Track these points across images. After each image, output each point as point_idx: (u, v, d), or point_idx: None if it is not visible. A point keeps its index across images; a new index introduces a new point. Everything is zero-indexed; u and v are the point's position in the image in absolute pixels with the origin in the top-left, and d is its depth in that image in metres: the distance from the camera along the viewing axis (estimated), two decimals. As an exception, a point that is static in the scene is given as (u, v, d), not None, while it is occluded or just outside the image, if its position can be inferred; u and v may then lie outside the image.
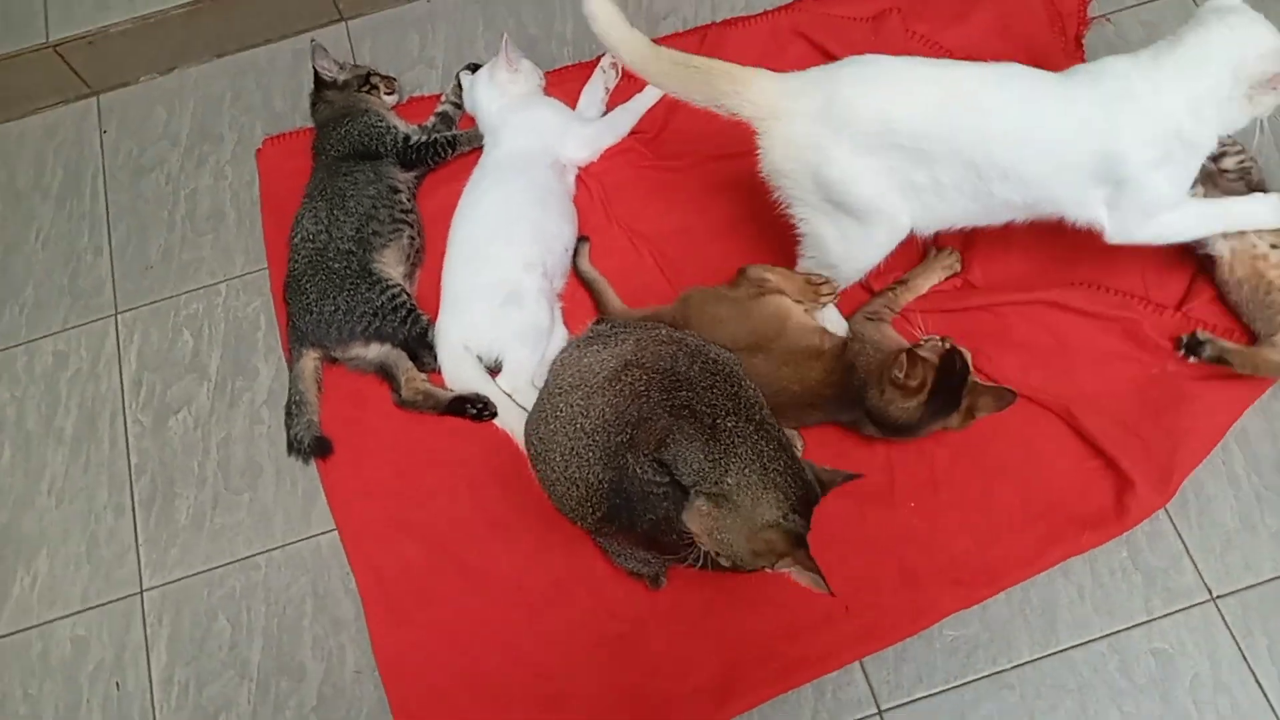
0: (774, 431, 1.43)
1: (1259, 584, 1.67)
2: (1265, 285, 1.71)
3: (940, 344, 1.67)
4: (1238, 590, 1.67)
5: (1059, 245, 1.75)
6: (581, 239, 1.98)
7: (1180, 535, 1.71)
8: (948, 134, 1.53)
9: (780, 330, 1.74)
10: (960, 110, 1.53)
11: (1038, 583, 1.70)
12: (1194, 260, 1.82)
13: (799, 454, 1.74)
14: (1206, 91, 1.49)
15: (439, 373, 1.90)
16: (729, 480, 1.39)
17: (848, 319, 1.83)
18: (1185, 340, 1.75)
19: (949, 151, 1.54)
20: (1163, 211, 1.61)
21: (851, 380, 1.70)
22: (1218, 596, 1.67)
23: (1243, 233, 1.71)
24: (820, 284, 1.76)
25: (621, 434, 1.39)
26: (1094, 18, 2.14)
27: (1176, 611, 1.67)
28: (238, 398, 1.97)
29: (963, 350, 1.67)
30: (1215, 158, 1.74)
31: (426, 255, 2.02)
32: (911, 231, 1.66)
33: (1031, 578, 1.70)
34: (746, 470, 1.39)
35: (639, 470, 1.41)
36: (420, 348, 1.91)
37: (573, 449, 1.42)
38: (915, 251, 1.90)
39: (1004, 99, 1.54)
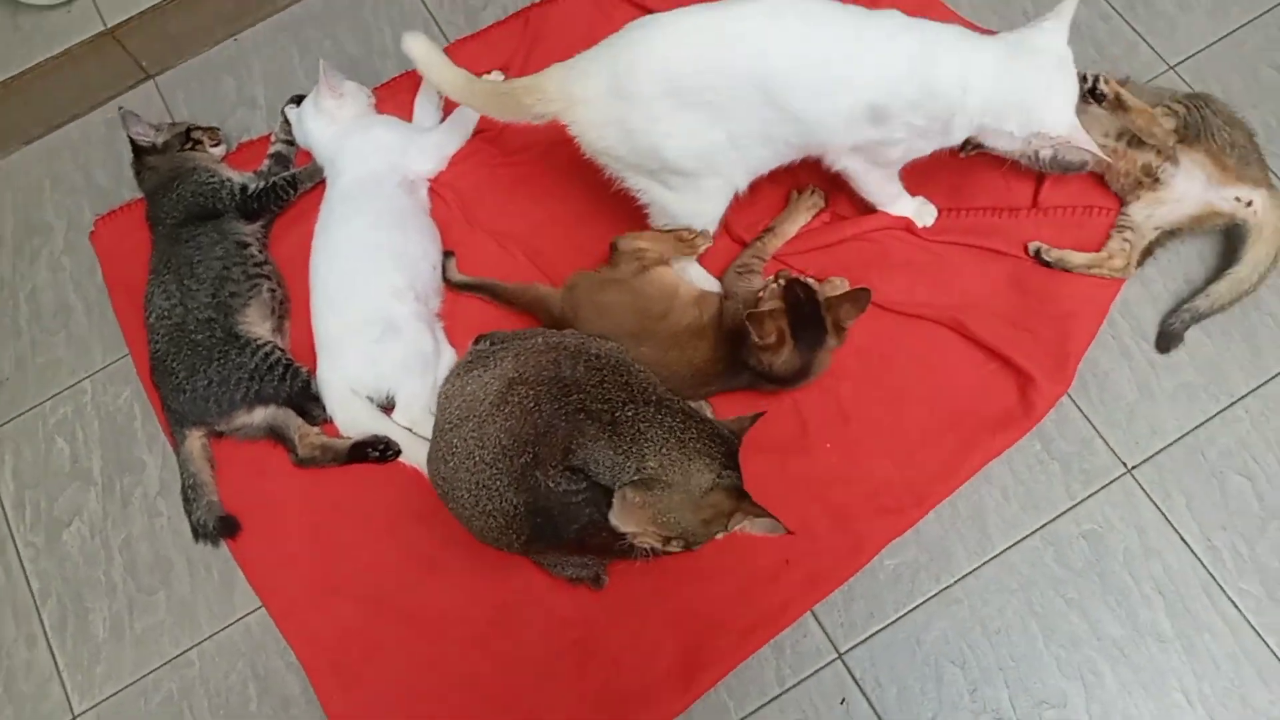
0: (675, 404, 1.41)
1: (1167, 445, 1.73)
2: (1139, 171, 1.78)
3: (777, 285, 1.67)
4: (1150, 457, 1.72)
5: (912, 176, 1.79)
6: (446, 254, 1.92)
7: (1086, 416, 1.75)
8: (729, 81, 1.52)
9: (668, 308, 1.72)
10: (737, 54, 1.51)
11: (963, 493, 1.73)
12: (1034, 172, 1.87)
13: (707, 413, 1.74)
14: (995, 118, 1.53)
15: (332, 423, 1.83)
16: (650, 464, 1.37)
17: (719, 278, 1.81)
18: (1031, 250, 1.80)
19: (734, 98, 1.53)
20: (881, 166, 1.71)
21: (736, 349, 1.69)
22: (1132, 467, 1.72)
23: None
24: (691, 236, 1.75)
25: (524, 455, 1.35)
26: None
27: (1098, 491, 1.71)
28: (129, 495, 1.88)
29: (800, 277, 1.69)
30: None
31: (292, 303, 1.94)
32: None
33: (956, 490, 1.73)
34: (664, 449, 1.37)
35: (552, 484, 1.38)
36: (306, 401, 1.83)
37: (478, 482, 1.38)
38: (781, 196, 1.90)
39: (782, 34, 1.52)
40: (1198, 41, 1.99)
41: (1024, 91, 1.52)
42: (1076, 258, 1.77)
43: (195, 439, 1.83)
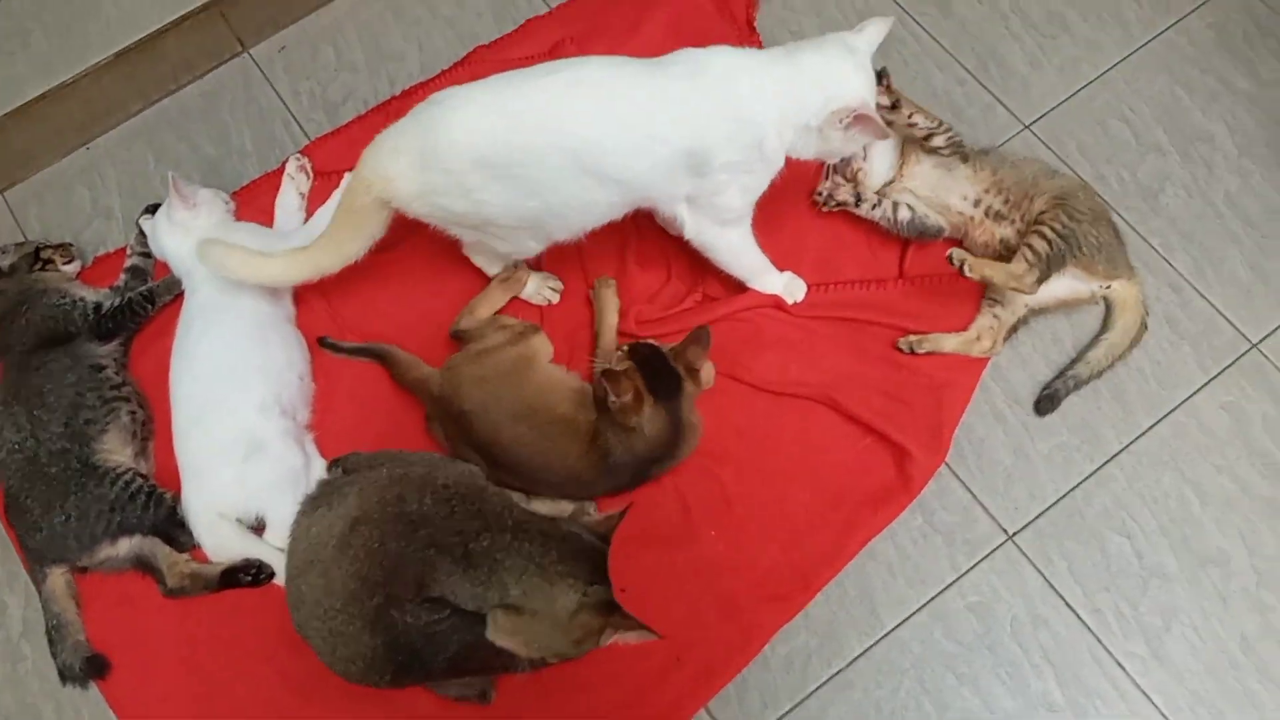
0: (534, 526, 1.37)
1: (1046, 509, 1.73)
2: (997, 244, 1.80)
3: (620, 351, 1.67)
4: (1030, 522, 1.73)
5: (780, 250, 1.79)
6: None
7: (966, 485, 1.75)
8: (535, 157, 1.51)
9: (544, 385, 1.70)
10: (536, 132, 1.51)
11: (850, 572, 1.71)
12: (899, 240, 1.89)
13: (588, 508, 1.71)
14: (795, 113, 1.53)
15: (201, 549, 1.75)
16: (513, 592, 1.33)
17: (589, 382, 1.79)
18: (904, 346, 1.81)
19: (546, 170, 1.53)
20: (731, 225, 1.68)
21: (611, 458, 1.66)
22: (1014, 533, 1.72)
23: (947, 205, 1.80)
24: (509, 274, 1.85)
25: (374, 597, 1.30)
26: (763, -14, 2.15)
27: (981, 560, 1.71)
28: (-9, 641, 1.78)
29: (641, 340, 1.70)
30: (926, 137, 1.78)
31: (157, 422, 1.86)
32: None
33: (842, 570, 1.71)
34: (524, 576, 1.33)
35: (411, 619, 1.33)
36: (172, 528, 1.75)
37: (331, 629, 1.33)
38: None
39: (580, 105, 1.51)
40: (1050, 100, 2.03)
41: (815, 75, 1.53)
42: (947, 342, 1.78)
43: (58, 576, 1.74)
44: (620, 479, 1.70)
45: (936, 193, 1.81)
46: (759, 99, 1.52)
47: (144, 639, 1.74)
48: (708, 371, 1.71)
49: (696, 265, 1.88)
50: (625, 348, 1.67)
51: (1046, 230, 1.69)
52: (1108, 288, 1.78)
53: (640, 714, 1.65)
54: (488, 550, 1.32)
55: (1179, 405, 1.78)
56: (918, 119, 1.76)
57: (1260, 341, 1.81)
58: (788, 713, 1.65)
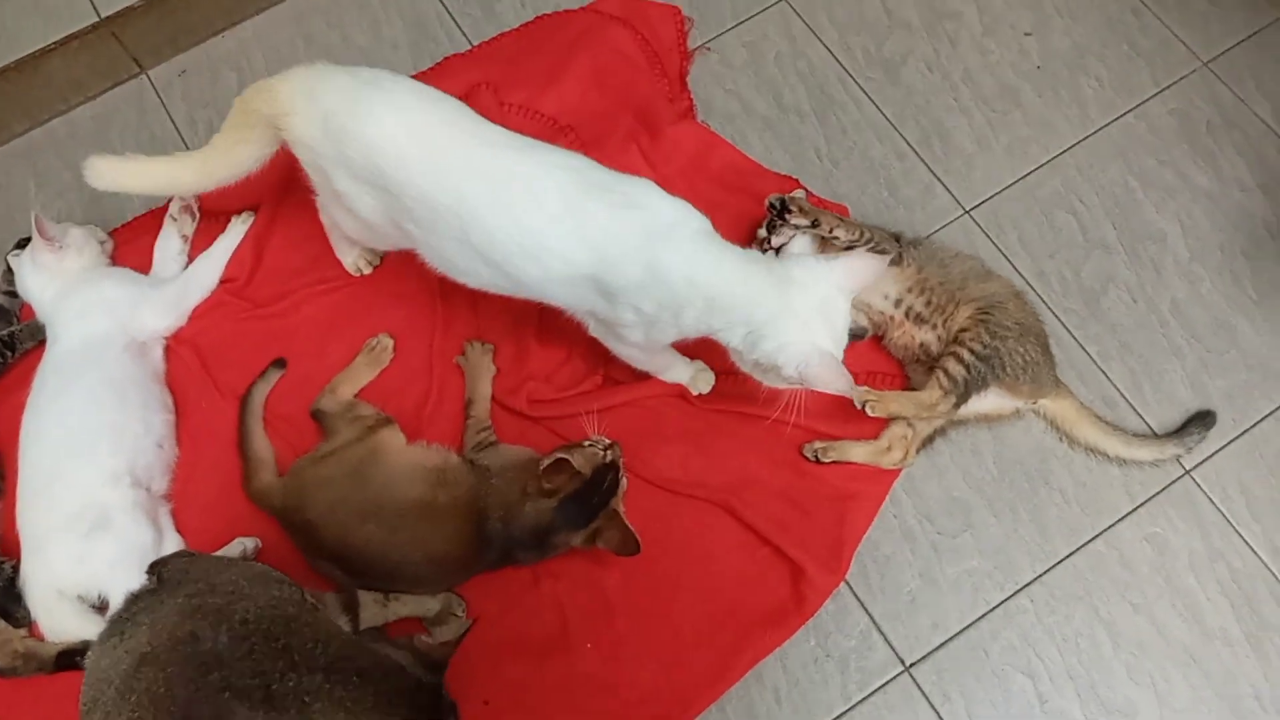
0: (352, 664, 1.24)
1: (948, 640, 1.61)
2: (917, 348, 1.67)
3: (602, 454, 1.56)
4: (929, 653, 1.60)
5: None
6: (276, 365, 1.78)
7: (865, 608, 1.63)
8: (430, 202, 1.39)
9: (391, 477, 1.58)
10: (447, 178, 1.38)
11: (733, 695, 1.59)
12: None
13: (456, 610, 1.59)
14: (725, 327, 1.40)
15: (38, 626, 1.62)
16: (320, 732, 1.20)
17: (463, 455, 1.66)
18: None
19: (434, 218, 1.41)
20: (630, 345, 1.56)
21: (487, 529, 1.54)
22: (910, 665, 1.60)
23: (868, 303, 1.67)
24: (375, 345, 1.77)
25: (165, 741, 1.17)
26: (694, 50, 2.00)
27: (874, 693, 1.59)
28: None
29: (621, 475, 1.57)
30: (847, 248, 1.65)
31: (7, 482, 1.73)
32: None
33: (725, 693, 1.59)
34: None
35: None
36: (8, 602, 1.62)
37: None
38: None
39: (494, 183, 1.38)
40: (994, 183, 1.89)
41: (758, 308, 1.36)
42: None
43: (-117, 645, 1.62)
44: (490, 558, 1.58)
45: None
46: (694, 284, 1.36)
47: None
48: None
49: (602, 347, 1.74)
50: (610, 455, 1.55)
51: (965, 352, 1.56)
52: (1033, 405, 1.65)
53: (494, 839, 1.53)
54: (294, 691, 1.19)
55: (1100, 534, 1.65)
56: (839, 233, 1.63)
57: (1193, 469, 1.68)
58: None
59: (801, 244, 1.69)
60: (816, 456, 1.66)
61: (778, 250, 1.69)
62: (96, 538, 1.59)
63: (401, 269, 1.83)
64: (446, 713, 1.37)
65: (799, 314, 1.34)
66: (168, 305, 1.80)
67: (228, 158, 1.56)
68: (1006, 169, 1.90)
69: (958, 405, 1.56)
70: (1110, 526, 1.66)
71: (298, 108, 1.44)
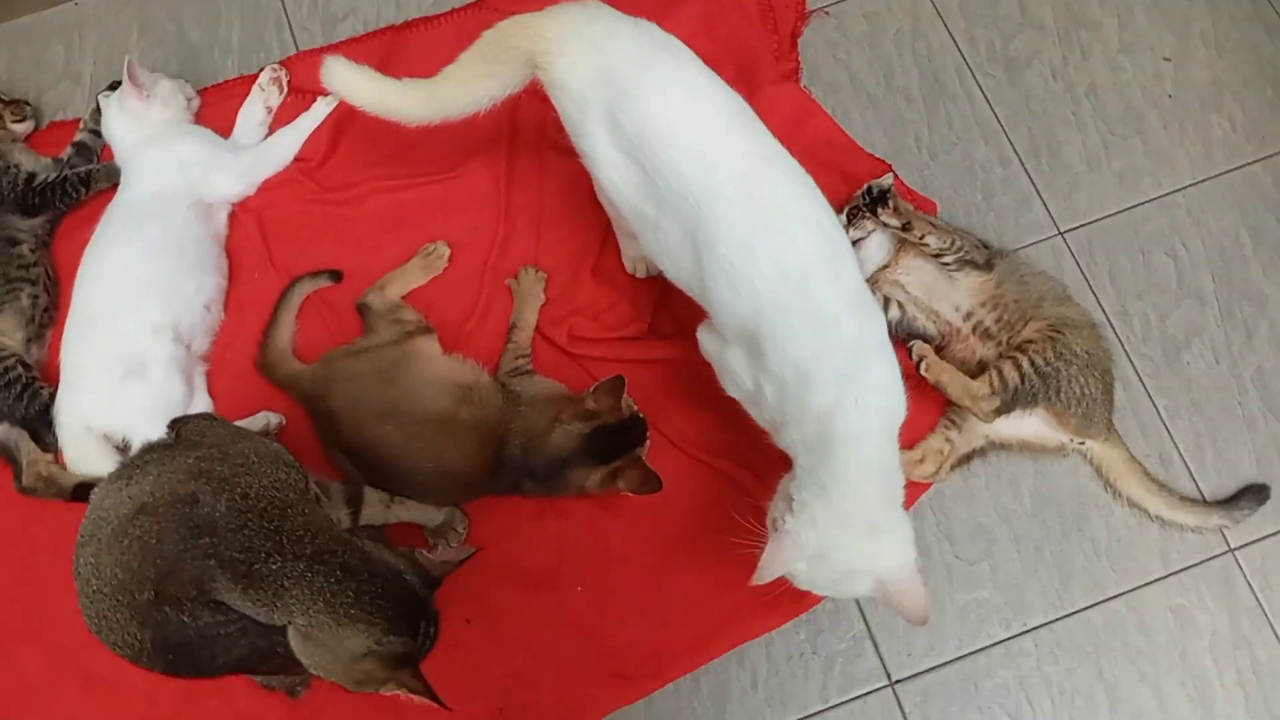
0: (337, 558, 1.25)
1: (940, 665, 1.56)
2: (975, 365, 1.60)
3: (634, 408, 1.56)
4: (918, 674, 1.56)
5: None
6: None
7: (863, 614, 1.59)
8: (686, 195, 1.28)
9: (418, 383, 1.58)
10: (705, 174, 1.27)
11: (710, 670, 1.58)
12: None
13: (458, 527, 1.59)
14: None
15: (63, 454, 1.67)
16: (299, 620, 1.22)
17: (495, 377, 1.65)
18: None
19: (675, 206, 1.29)
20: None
21: (504, 453, 1.53)
22: (896, 681, 1.56)
23: (935, 311, 1.62)
24: (431, 250, 1.75)
25: (144, 592, 1.20)
26: (812, 11, 1.92)
27: (853, 699, 1.55)
28: None
29: (647, 428, 1.56)
30: (936, 255, 1.60)
31: (61, 313, 1.77)
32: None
33: (703, 665, 1.57)
34: (311, 610, 1.22)
35: (189, 620, 1.22)
36: (41, 426, 1.68)
37: (97, 612, 1.23)
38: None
39: (753, 219, 1.26)
40: (1096, 209, 1.78)
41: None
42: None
43: (-77, 444, 1.69)
44: (498, 485, 1.58)
45: (929, 295, 1.61)
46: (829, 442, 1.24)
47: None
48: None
49: (654, 295, 1.71)
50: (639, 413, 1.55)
51: (1025, 361, 1.48)
52: (1080, 444, 1.57)
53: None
54: (275, 574, 1.20)
55: (1123, 593, 1.58)
56: (930, 240, 1.56)
57: (1239, 548, 1.59)
58: (599, 799, 1.53)
59: (878, 242, 1.62)
60: None
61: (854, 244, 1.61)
62: (130, 383, 1.62)
63: (473, 183, 1.81)
64: (429, 622, 1.38)
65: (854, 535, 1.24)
66: (241, 172, 1.82)
67: (461, 91, 1.45)
68: (1113, 196, 1.79)
69: (999, 412, 1.48)
70: (1136, 589, 1.58)
71: (568, 50, 1.33)
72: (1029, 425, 1.55)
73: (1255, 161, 1.80)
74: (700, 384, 1.68)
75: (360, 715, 1.56)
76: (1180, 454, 1.64)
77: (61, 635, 1.62)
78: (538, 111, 1.77)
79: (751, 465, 1.63)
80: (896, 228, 1.58)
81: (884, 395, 1.25)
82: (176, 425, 1.37)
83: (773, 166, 1.29)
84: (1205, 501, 1.60)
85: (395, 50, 1.93)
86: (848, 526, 1.23)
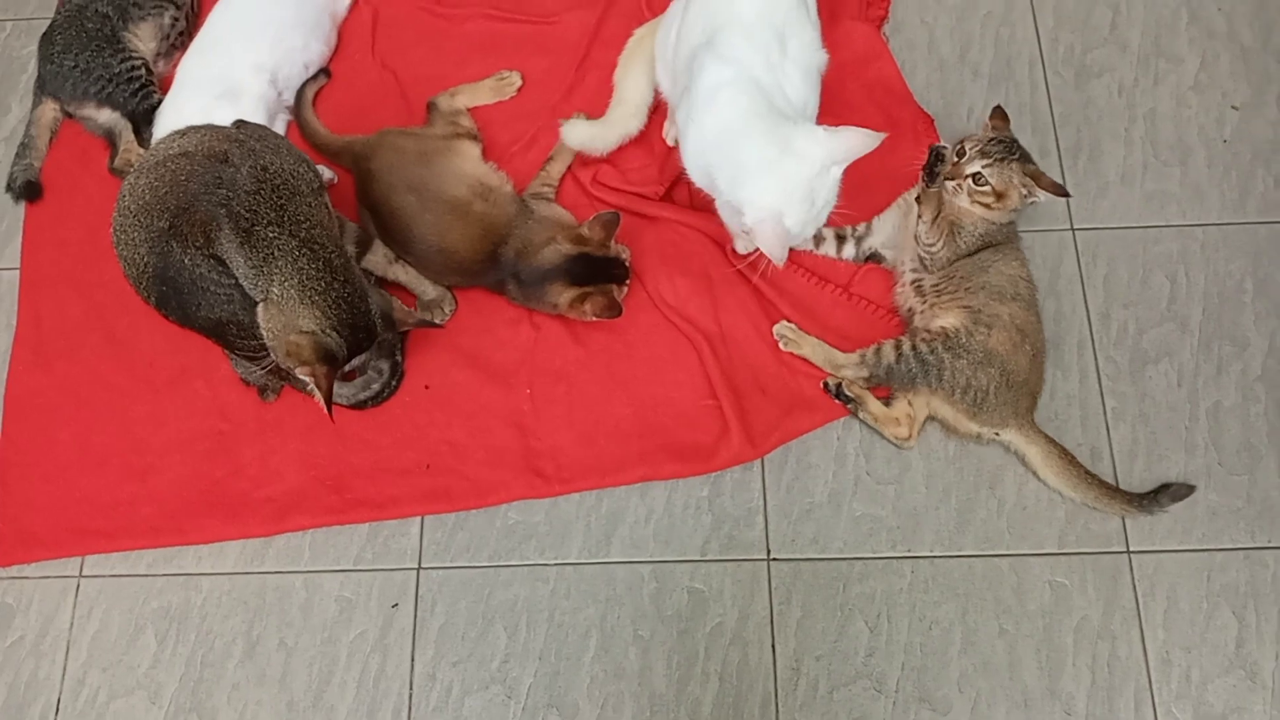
0: (324, 253, 1.45)
1: (817, 559, 1.66)
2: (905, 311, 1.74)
3: (620, 249, 1.73)
4: (796, 559, 1.67)
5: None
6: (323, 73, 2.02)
7: (765, 492, 1.71)
8: None
9: (447, 169, 1.77)
10: None
11: (615, 494, 1.72)
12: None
13: (445, 307, 1.79)
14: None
15: (153, 150, 1.94)
16: (274, 290, 1.43)
17: (521, 193, 1.84)
18: (831, 386, 1.72)
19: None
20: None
21: (500, 252, 1.72)
22: (773, 559, 1.67)
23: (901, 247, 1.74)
24: (506, 78, 1.96)
25: (162, 219, 1.42)
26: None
27: (729, 560, 1.67)
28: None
29: (628, 273, 1.73)
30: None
31: (188, 40, 2.04)
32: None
33: (607, 488, 1.72)
34: (286, 283, 1.43)
35: (188, 262, 1.44)
36: (144, 123, 1.95)
37: (121, 226, 1.47)
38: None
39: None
40: (1115, 218, 1.85)
41: (752, 158, 1.45)
42: (872, 406, 1.69)
43: (49, 108, 1.99)
44: (486, 278, 1.77)
45: (902, 235, 1.75)
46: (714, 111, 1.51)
47: (77, 192, 1.97)
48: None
49: (678, 170, 1.85)
50: (627, 254, 1.75)
51: (906, 345, 1.63)
52: (995, 434, 1.66)
53: (370, 487, 1.74)
54: (270, 241, 1.41)
55: (1011, 555, 1.65)
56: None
57: (1136, 552, 1.64)
58: (480, 567, 1.69)
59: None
60: (839, 390, 1.71)
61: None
62: (222, 103, 1.86)
63: (562, 31, 2.01)
64: (387, 364, 1.59)
65: (783, 179, 1.42)
66: (373, -31, 2.06)
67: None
68: (1135, 212, 1.85)
69: (870, 382, 1.66)
70: (1024, 555, 1.65)
71: None
72: (936, 405, 1.66)
73: (1284, 222, 1.83)
74: (690, 256, 1.84)
75: (311, 430, 1.76)
76: (1112, 453, 1.70)
77: (101, 293, 1.89)
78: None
79: (711, 338, 1.77)
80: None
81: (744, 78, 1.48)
82: (239, 122, 1.60)
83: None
84: (1124, 491, 1.65)
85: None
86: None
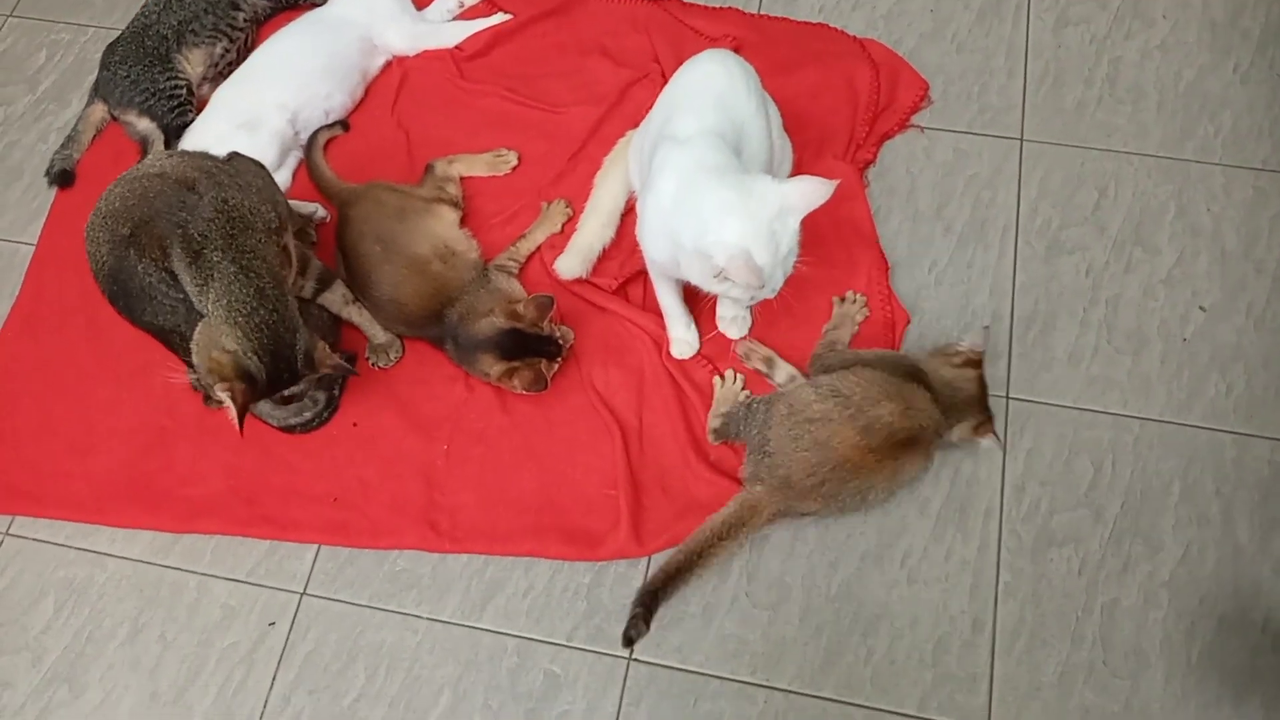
0: (261, 281, 1.54)
1: (674, 669, 1.67)
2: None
3: (561, 337, 1.81)
4: (652, 663, 1.68)
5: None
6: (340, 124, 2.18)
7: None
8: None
9: (415, 227, 1.89)
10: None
11: (502, 562, 1.77)
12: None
13: (391, 353, 1.89)
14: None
15: (177, 162, 2.12)
16: (209, 307, 1.55)
17: (487, 262, 1.95)
18: (742, 351, 1.86)
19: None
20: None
21: (446, 312, 1.82)
22: (633, 658, 1.68)
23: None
24: (503, 155, 2.09)
25: (124, 227, 1.56)
26: (912, 124, 2.10)
27: (590, 651, 1.69)
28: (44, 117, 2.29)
29: (566, 343, 1.82)
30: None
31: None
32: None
33: (496, 555, 1.77)
34: (218, 302, 1.54)
35: (141, 270, 1.57)
36: (174, 137, 2.14)
37: (92, 224, 1.61)
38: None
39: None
40: (1052, 395, 1.84)
41: (697, 206, 1.53)
42: (781, 372, 1.82)
43: (99, 108, 2.20)
44: (429, 332, 1.87)
45: None
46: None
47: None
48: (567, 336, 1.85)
49: (640, 267, 1.93)
50: (564, 334, 1.84)
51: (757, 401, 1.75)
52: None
53: (279, 507, 1.83)
54: (213, 265, 1.53)
55: (868, 707, 1.63)
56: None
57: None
58: (353, 604, 1.75)
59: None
60: (748, 354, 1.86)
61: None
62: (241, 131, 2.04)
63: (566, 123, 2.12)
64: (325, 389, 1.72)
65: (746, 217, 1.49)
66: (413, 38, 2.24)
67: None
68: (1075, 392, 1.84)
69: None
70: (881, 710, 1.63)
71: None
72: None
73: (1230, 433, 1.80)
74: (628, 351, 1.91)
75: (242, 444, 1.86)
76: (995, 627, 1.67)
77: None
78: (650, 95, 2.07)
79: (628, 431, 1.82)
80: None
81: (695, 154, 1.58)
82: (232, 155, 1.75)
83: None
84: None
85: (564, 8, 2.29)
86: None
